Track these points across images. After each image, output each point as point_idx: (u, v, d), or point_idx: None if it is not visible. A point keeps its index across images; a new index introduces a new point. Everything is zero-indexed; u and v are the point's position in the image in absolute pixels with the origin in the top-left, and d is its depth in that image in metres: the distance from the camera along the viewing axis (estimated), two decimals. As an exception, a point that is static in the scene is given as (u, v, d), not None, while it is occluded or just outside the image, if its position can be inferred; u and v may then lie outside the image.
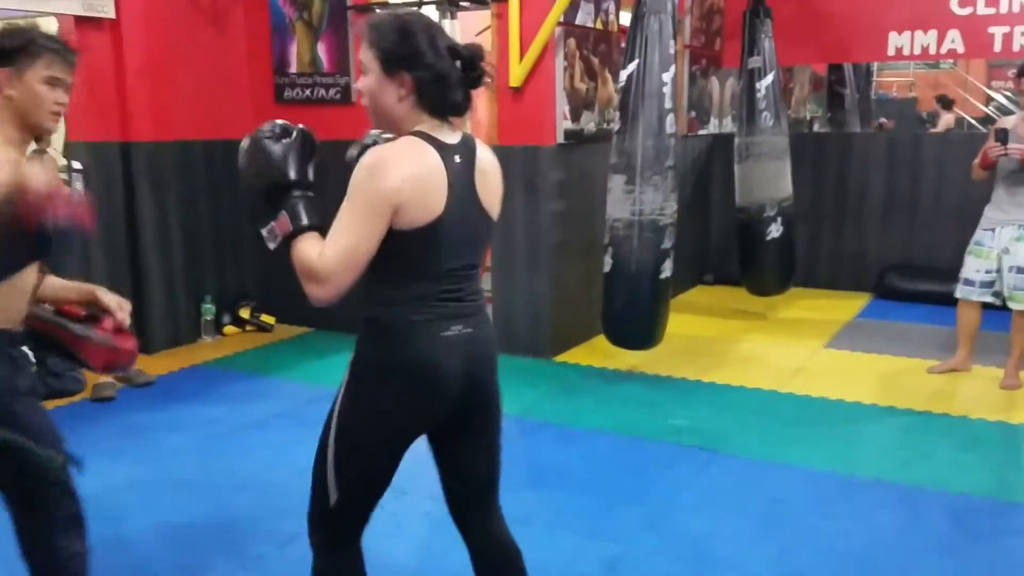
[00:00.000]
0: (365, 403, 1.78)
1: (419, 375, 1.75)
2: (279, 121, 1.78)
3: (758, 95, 5.56)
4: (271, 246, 1.76)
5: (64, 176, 5.04)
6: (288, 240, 1.72)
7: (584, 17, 4.84)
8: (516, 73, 4.64)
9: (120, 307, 2.13)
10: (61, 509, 2.07)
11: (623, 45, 4.77)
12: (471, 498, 2.00)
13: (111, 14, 4.66)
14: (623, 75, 4.35)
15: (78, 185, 4.76)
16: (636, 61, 4.26)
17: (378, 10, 4.98)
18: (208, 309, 5.41)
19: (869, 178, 6.57)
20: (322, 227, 1.71)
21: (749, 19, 5.59)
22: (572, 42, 4.77)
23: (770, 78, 5.56)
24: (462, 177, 1.72)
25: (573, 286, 5.06)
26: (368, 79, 1.72)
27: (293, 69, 5.38)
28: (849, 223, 6.65)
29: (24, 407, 2.00)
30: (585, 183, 5.07)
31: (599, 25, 5.00)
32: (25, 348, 2.03)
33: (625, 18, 5.29)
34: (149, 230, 5.05)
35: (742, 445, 3.69)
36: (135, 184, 4.96)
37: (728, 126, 7.04)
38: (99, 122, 4.79)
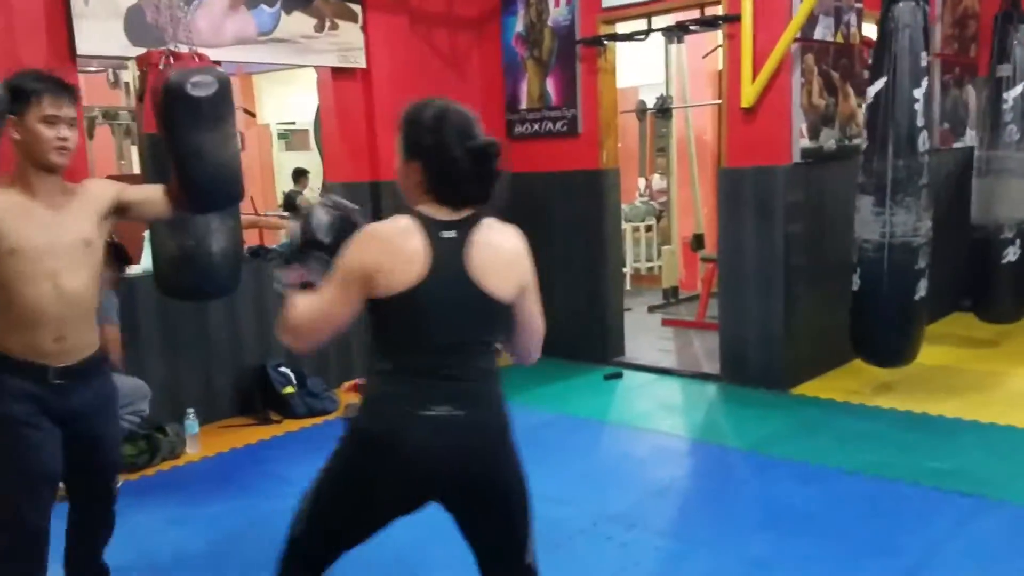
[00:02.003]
0: (339, 464, 1.83)
1: (385, 450, 1.73)
2: (337, 198, 2.02)
3: (1004, 106, 5.02)
4: (277, 287, 1.92)
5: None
6: (290, 288, 1.87)
7: (823, 31, 4.59)
8: (748, 93, 4.49)
9: None
10: None
11: (866, 57, 4.48)
12: (491, 567, 1.92)
13: (363, 64, 5.09)
14: (870, 92, 4.09)
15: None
16: (884, 78, 4.00)
17: (606, 42, 5.08)
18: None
19: None
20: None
21: (1000, 24, 5.05)
22: (810, 57, 4.54)
23: (1019, 89, 4.99)
24: (448, 253, 1.73)
25: (810, 313, 4.77)
26: (396, 161, 1.85)
27: (523, 105, 5.58)
28: None
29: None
30: (825, 203, 4.78)
31: (839, 39, 4.73)
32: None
33: (868, 30, 4.97)
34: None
35: (1017, 492, 3.26)
36: (382, 219, 5.33)
37: (988, 138, 6.35)
38: (353, 164, 5.22)
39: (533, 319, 1.94)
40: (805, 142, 4.60)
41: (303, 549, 1.87)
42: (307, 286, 1.86)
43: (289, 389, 4.58)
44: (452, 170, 1.75)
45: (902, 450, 3.76)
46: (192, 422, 4.13)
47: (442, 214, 1.76)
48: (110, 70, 5.55)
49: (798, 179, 4.60)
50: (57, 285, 2.19)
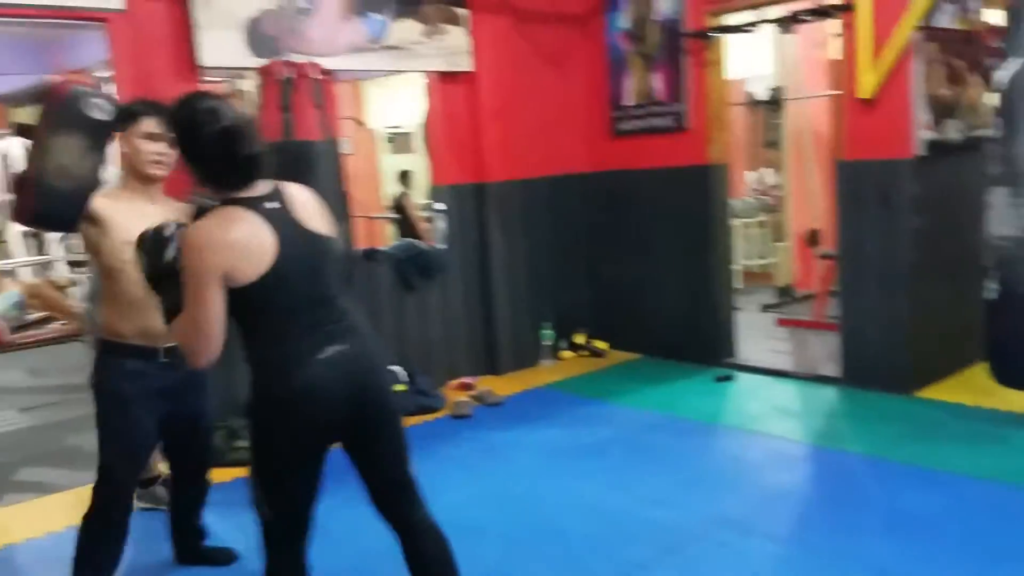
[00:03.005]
0: (263, 435, 2.03)
1: (305, 397, 1.97)
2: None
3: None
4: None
5: (427, 215, 5.66)
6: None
7: (945, 18, 4.35)
8: (866, 84, 4.31)
9: None
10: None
11: (992, 44, 4.22)
12: (387, 494, 2.18)
13: (469, 67, 5.15)
14: (1003, 76, 3.83)
15: (440, 224, 5.33)
16: (1017, 59, 3.72)
17: (715, 35, 4.97)
18: (548, 334, 5.70)
19: None
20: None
21: None
22: (932, 46, 4.31)
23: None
24: (282, 217, 1.97)
25: (937, 312, 4.53)
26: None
27: (628, 102, 5.52)
28: None
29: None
30: (951, 197, 4.53)
31: (962, 25, 4.47)
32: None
33: (992, 15, 4.67)
34: (498, 261, 5.46)
35: None
36: (487, 220, 5.40)
37: None
38: (458, 166, 5.30)
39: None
40: (928, 134, 4.37)
41: (277, 528, 2.10)
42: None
43: (400, 387, 4.69)
44: (209, 157, 1.97)
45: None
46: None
47: (246, 193, 1.97)
48: (229, 79, 5.80)
49: (921, 173, 4.38)
50: None
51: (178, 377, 2.60)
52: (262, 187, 2.01)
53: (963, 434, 3.89)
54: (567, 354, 5.78)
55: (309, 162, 3.68)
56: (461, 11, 5.05)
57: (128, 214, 2.50)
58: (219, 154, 1.95)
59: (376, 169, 10.48)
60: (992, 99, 4.05)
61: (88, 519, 2.64)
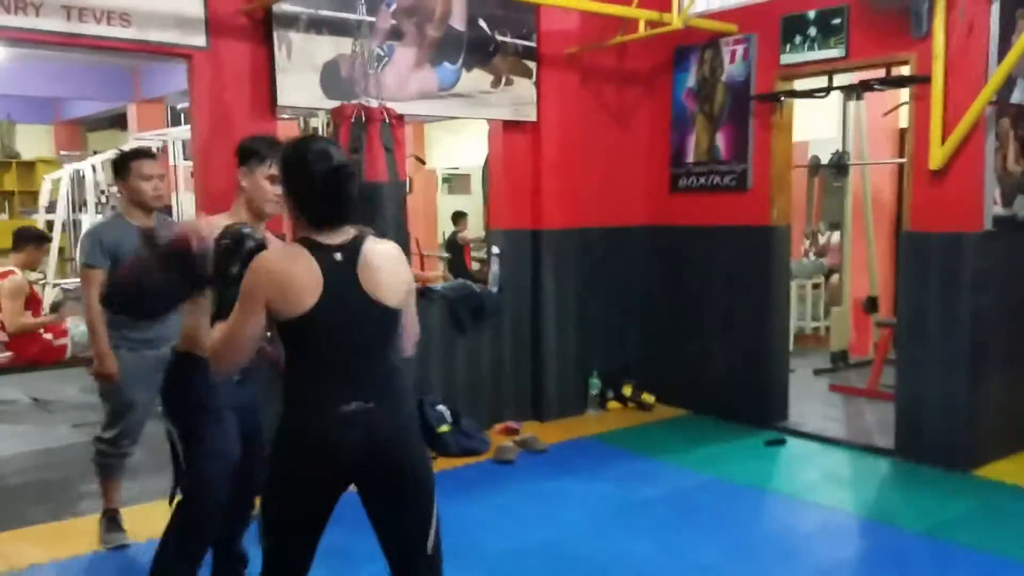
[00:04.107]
0: (273, 464, 2.09)
1: (310, 447, 2.01)
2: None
3: None
4: None
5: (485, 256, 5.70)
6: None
7: (1021, 95, 4.30)
8: (937, 155, 4.26)
9: None
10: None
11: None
12: (401, 568, 2.13)
13: (533, 117, 5.23)
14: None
15: (495, 267, 5.38)
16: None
17: (783, 99, 4.98)
18: (595, 384, 5.67)
19: None
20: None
21: None
22: (1005, 121, 4.26)
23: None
24: (341, 272, 2.01)
25: (1000, 390, 4.41)
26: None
27: (690, 159, 5.54)
28: None
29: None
30: (1017, 274, 4.44)
31: (1040, 100, 4.41)
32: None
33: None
34: (550, 308, 5.47)
35: None
36: (541, 266, 5.42)
37: None
38: (516, 212, 5.35)
39: (412, 322, 2.23)
40: (998, 209, 4.30)
41: (276, 557, 2.10)
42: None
43: (444, 428, 4.68)
44: (312, 193, 2.04)
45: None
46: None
47: (324, 238, 2.03)
48: (301, 117, 5.98)
49: (990, 248, 4.30)
50: None
51: (246, 395, 2.65)
52: (344, 235, 2.06)
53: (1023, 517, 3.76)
54: (613, 405, 5.73)
55: (377, 203, 3.75)
56: (531, 63, 5.14)
57: None
58: (322, 193, 2.03)
59: (434, 208, 10.66)
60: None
61: (181, 538, 2.62)
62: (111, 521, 3.53)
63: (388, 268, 2.09)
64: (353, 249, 2.05)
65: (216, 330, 2.11)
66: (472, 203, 9.82)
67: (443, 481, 4.19)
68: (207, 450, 2.58)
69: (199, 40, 3.99)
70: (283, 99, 4.21)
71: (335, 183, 2.03)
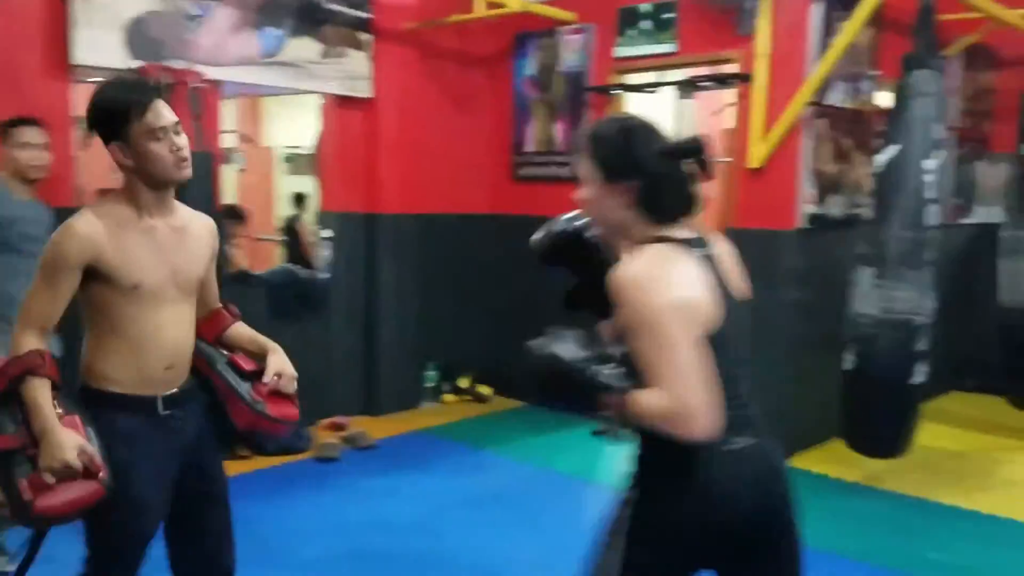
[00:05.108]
0: (651, 525, 1.63)
1: (703, 497, 1.59)
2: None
3: (928, 179, 4.91)
4: (621, 437, 1.69)
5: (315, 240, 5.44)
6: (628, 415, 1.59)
7: (837, 96, 4.51)
8: (757, 153, 4.40)
9: (279, 373, 2.08)
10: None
11: (879, 126, 4.39)
12: None
13: (368, 94, 5.00)
14: (880, 160, 3.97)
15: (324, 252, 5.12)
16: (895, 146, 3.87)
17: (616, 92, 5.01)
18: (431, 376, 5.54)
19: None
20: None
21: (1028, 102, 4.98)
22: (823, 122, 4.45)
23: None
24: (712, 271, 1.62)
25: (810, 384, 4.61)
26: (587, 190, 1.68)
27: (530, 148, 5.49)
28: None
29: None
30: (831, 271, 4.65)
31: (853, 105, 4.64)
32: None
33: (884, 97, 4.88)
34: (386, 296, 5.28)
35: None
36: (377, 252, 5.22)
37: (998, 215, 6.26)
38: (350, 194, 5.12)
39: None
40: (812, 207, 4.49)
41: None
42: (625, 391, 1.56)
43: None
44: (669, 180, 1.63)
45: (894, 534, 3.61)
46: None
47: (681, 234, 1.63)
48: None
49: (804, 246, 4.48)
50: None
51: (188, 433, 2.04)
52: (687, 229, 1.65)
53: (828, 509, 3.89)
54: (450, 397, 5.62)
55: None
56: (364, 36, 4.91)
57: None
58: (665, 176, 1.62)
59: (271, 189, 10.16)
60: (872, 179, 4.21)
61: None
62: None
63: (730, 257, 1.74)
64: (706, 243, 1.68)
65: (654, 391, 1.52)
66: (316, 185, 9.42)
67: (256, 481, 4.01)
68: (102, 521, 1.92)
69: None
70: (79, 57, 3.79)
71: (678, 166, 1.65)
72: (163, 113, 1.93)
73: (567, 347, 1.64)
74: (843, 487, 4.18)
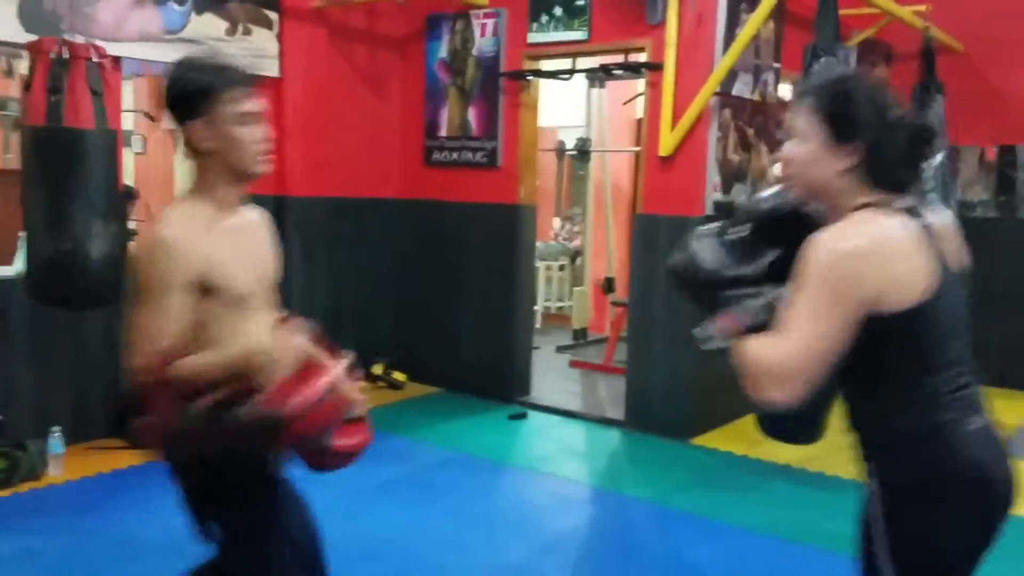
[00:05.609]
0: (919, 537, 1.51)
1: (972, 482, 1.48)
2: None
3: (925, 175, 5.17)
4: (710, 346, 1.62)
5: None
6: (733, 339, 1.56)
7: (741, 88, 4.66)
8: (667, 142, 4.50)
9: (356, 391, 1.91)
10: None
11: (781, 116, 4.56)
12: None
13: (275, 73, 4.87)
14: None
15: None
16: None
17: (530, 78, 5.03)
18: (343, 363, 5.45)
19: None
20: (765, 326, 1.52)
21: (919, 94, 5.24)
22: (728, 112, 4.59)
23: (939, 158, 5.16)
24: (932, 239, 1.51)
25: (719, 363, 4.76)
26: (803, 148, 1.54)
27: (443, 133, 5.46)
28: (1019, 311, 6.06)
29: None
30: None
31: (757, 96, 4.81)
32: None
33: (785, 90, 5.08)
34: (295, 282, 5.15)
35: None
36: (286, 237, 5.08)
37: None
38: (257, 176, 4.97)
39: None
40: (718, 195, 4.63)
41: None
42: (755, 329, 1.52)
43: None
44: (898, 148, 1.51)
45: (799, 509, 3.76)
46: (57, 440, 3.78)
47: (900, 202, 1.52)
48: (3, 58, 5.15)
49: (711, 230, 4.62)
50: None
51: None
52: (902, 202, 1.54)
53: (734, 483, 4.08)
54: (363, 385, 5.53)
55: (78, 153, 3.27)
56: (271, 14, 4.78)
57: None
58: (897, 143, 1.50)
59: (171, 172, 9.76)
60: (776, 168, 4.37)
61: None
62: None
63: (950, 228, 1.62)
64: (921, 215, 1.56)
65: (774, 343, 1.47)
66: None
67: (162, 470, 3.86)
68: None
69: None
70: (-36, 27, 3.55)
71: (916, 132, 1.55)
72: (253, 99, 1.80)
73: (712, 255, 1.64)
74: (751, 465, 4.33)
